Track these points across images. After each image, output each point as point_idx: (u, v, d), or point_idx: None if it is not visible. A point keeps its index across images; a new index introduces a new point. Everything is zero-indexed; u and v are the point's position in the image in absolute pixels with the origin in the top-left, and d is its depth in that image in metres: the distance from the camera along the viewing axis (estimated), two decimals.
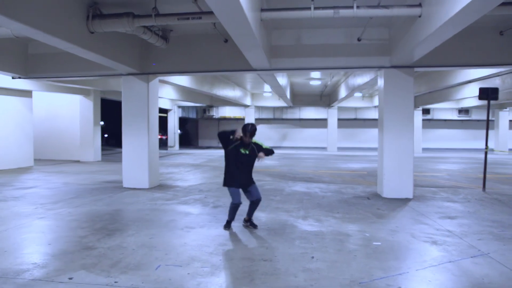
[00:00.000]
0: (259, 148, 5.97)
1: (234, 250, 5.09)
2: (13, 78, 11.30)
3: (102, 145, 19.50)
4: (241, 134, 5.83)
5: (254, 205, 6.11)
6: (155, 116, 10.46)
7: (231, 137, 5.91)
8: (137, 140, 10.02)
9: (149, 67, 10.02)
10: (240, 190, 6.00)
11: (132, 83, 10.02)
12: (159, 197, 8.68)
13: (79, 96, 17.38)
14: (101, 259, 4.64)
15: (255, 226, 6.18)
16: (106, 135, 32.38)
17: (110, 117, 28.59)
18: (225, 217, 6.79)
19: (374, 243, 5.44)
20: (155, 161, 10.47)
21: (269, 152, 6.07)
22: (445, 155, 24.00)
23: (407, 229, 6.17)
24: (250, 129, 5.76)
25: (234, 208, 6.03)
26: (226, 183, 6.00)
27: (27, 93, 14.74)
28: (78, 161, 17.29)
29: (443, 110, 29.70)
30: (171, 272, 4.27)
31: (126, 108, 10.13)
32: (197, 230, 6.03)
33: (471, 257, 4.88)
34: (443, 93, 19.91)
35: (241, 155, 5.89)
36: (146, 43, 9.48)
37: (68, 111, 17.94)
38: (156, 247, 5.12)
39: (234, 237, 5.71)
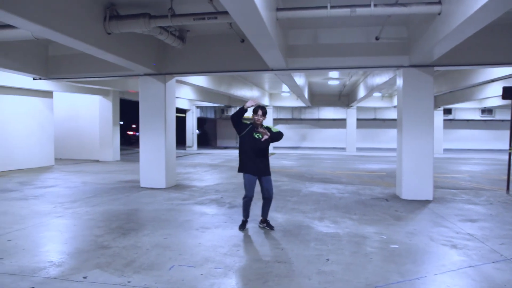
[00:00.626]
0: (269, 131, 5.92)
1: (248, 251, 5.05)
2: (34, 79, 11.52)
3: (121, 144, 19.77)
4: (248, 105, 5.84)
5: (266, 202, 6.04)
6: (172, 116, 10.51)
7: (243, 109, 5.87)
8: (154, 140, 10.08)
9: (166, 67, 10.08)
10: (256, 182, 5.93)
11: (149, 84, 10.09)
12: (175, 197, 8.71)
13: (99, 97, 17.63)
14: (115, 258, 4.66)
15: (271, 227, 6.11)
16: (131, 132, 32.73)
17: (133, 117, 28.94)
18: (240, 218, 6.77)
19: (391, 245, 5.33)
20: (172, 161, 10.52)
21: (277, 135, 5.93)
22: (467, 156, 23.47)
23: (426, 232, 6.03)
24: (263, 109, 5.87)
25: (246, 204, 5.99)
26: (241, 168, 5.97)
27: (48, 94, 15.02)
28: (97, 161, 17.55)
29: (465, 110, 29.01)
30: (184, 273, 4.25)
31: (143, 108, 10.21)
32: (212, 230, 6.02)
33: (493, 262, 4.71)
34: (465, 93, 19.45)
35: (255, 139, 5.86)
36: (163, 43, 9.53)
37: (88, 111, 18.22)
38: (170, 247, 5.12)
39: (248, 238, 5.67)
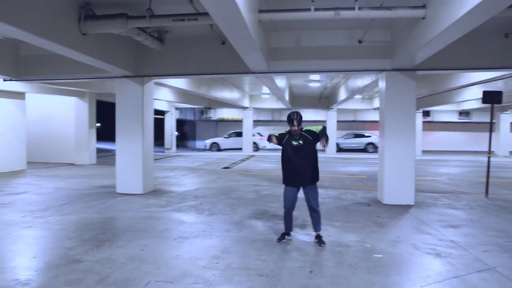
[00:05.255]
0: (312, 133, 5.53)
1: (228, 264, 4.82)
2: (4, 80, 11.04)
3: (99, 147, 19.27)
4: (275, 135, 5.59)
5: (312, 214, 5.72)
6: (150, 119, 10.21)
7: (274, 137, 5.60)
8: (131, 144, 9.76)
9: (144, 70, 9.78)
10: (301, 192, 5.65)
11: (127, 86, 9.77)
12: (153, 204, 8.42)
13: (74, 98, 17.09)
14: (87, 274, 4.39)
15: (320, 243, 5.60)
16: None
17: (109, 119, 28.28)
18: (220, 226, 6.60)
19: (375, 255, 5.20)
20: (150, 166, 10.21)
21: (324, 134, 5.52)
22: (445, 158, 23.78)
23: (409, 240, 5.93)
24: (297, 117, 5.42)
25: (285, 214, 5.76)
26: (283, 180, 5.69)
27: (20, 95, 14.44)
28: (72, 164, 17.01)
29: (444, 112, 29.54)
30: None
31: (120, 111, 9.87)
32: (191, 240, 5.78)
33: (478, 271, 4.63)
34: (445, 96, 19.69)
35: (294, 147, 5.51)
36: (141, 44, 9.23)
37: (62, 113, 17.62)
38: (146, 260, 4.87)
39: (229, 248, 5.44)
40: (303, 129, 5.55)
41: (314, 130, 5.58)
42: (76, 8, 6.96)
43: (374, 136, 28.82)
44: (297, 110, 5.62)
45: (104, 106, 21.29)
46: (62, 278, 4.27)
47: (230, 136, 29.77)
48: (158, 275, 4.41)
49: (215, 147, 29.13)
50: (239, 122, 30.69)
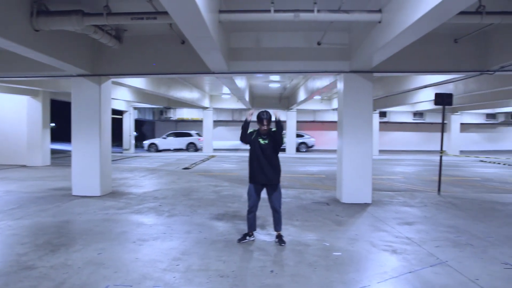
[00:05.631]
0: (274, 133, 5.65)
1: (189, 265, 4.78)
2: None
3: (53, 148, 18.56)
4: (250, 118, 5.63)
5: (274, 214, 5.78)
6: (107, 119, 9.94)
7: (246, 120, 5.64)
8: (88, 145, 9.46)
9: (101, 68, 9.51)
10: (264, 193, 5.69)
11: (83, 85, 9.46)
12: (110, 206, 8.21)
13: (27, 97, 16.37)
14: (41, 280, 4.22)
15: (281, 243, 5.67)
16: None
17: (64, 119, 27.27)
18: (180, 228, 6.54)
19: (334, 253, 5.32)
20: (108, 167, 9.94)
21: (279, 138, 5.60)
22: (400, 157, 24.64)
23: (367, 237, 6.10)
24: (266, 117, 5.51)
25: (248, 213, 5.77)
26: (249, 179, 5.70)
27: None
28: (24, 166, 16.28)
29: (399, 113, 30.62)
30: None
31: (76, 111, 9.54)
32: (150, 243, 5.68)
33: (430, 266, 4.85)
34: (400, 97, 20.40)
35: (261, 145, 5.58)
36: (98, 43, 8.96)
37: (14, 113, 16.84)
38: (104, 264, 4.74)
39: (189, 249, 5.39)
40: (272, 130, 5.67)
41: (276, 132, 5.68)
42: (27, 3, 6.66)
43: (306, 136, 30.08)
44: (266, 110, 5.66)
45: (59, 105, 20.51)
46: (13, 286, 4.08)
47: (168, 136, 29.40)
48: (116, 279, 4.31)
49: (153, 147, 28.65)
50: (199, 122, 30.46)
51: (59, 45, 7.96)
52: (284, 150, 26.02)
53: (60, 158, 20.37)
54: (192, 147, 28.80)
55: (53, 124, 21.46)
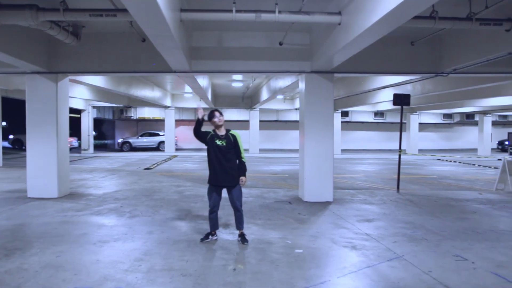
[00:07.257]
0: (235, 139, 5.63)
1: (151, 266, 4.73)
2: None
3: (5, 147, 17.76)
4: (201, 116, 5.56)
5: (236, 213, 5.77)
6: (65, 118, 9.64)
7: (199, 120, 5.56)
8: (44, 145, 9.14)
9: (58, 66, 9.20)
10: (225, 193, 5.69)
11: (38, 83, 9.14)
12: (69, 208, 7.98)
13: None
14: None
15: (243, 241, 5.69)
16: (11, 136, 29.46)
17: (16, 117, 26.17)
18: (142, 228, 6.45)
19: (296, 250, 5.41)
20: (65, 168, 9.64)
21: (243, 166, 5.73)
22: (362, 156, 25.29)
23: (328, 234, 6.24)
24: (217, 113, 5.55)
25: (210, 213, 5.74)
26: (208, 180, 5.71)
27: None
28: None
29: (361, 112, 31.34)
30: None
31: (31, 110, 9.19)
32: (111, 244, 5.58)
33: (388, 260, 5.03)
34: (361, 97, 20.86)
35: (217, 147, 5.54)
36: (55, 39, 8.65)
37: None
38: (63, 267, 4.61)
39: (151, 250, 5.33)
40: (230, 131, 5.67)
41: (237, 137, 5.70)
42: None
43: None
44: (218, 109, 5.66)
45: (11, 103, 19.68)
46: None
47: (143, 135, 29.55)
48: (77, 281, 4.21)
49: (127, 146, 28.69)
50: (160, 121, 30.06)
51: (12, 40, 7.66)
52: (247, 149, 26.14)
53: (14, 159, 19.54)
54: (163, 146, 28.90)
55: (4, 123, 20.56)
